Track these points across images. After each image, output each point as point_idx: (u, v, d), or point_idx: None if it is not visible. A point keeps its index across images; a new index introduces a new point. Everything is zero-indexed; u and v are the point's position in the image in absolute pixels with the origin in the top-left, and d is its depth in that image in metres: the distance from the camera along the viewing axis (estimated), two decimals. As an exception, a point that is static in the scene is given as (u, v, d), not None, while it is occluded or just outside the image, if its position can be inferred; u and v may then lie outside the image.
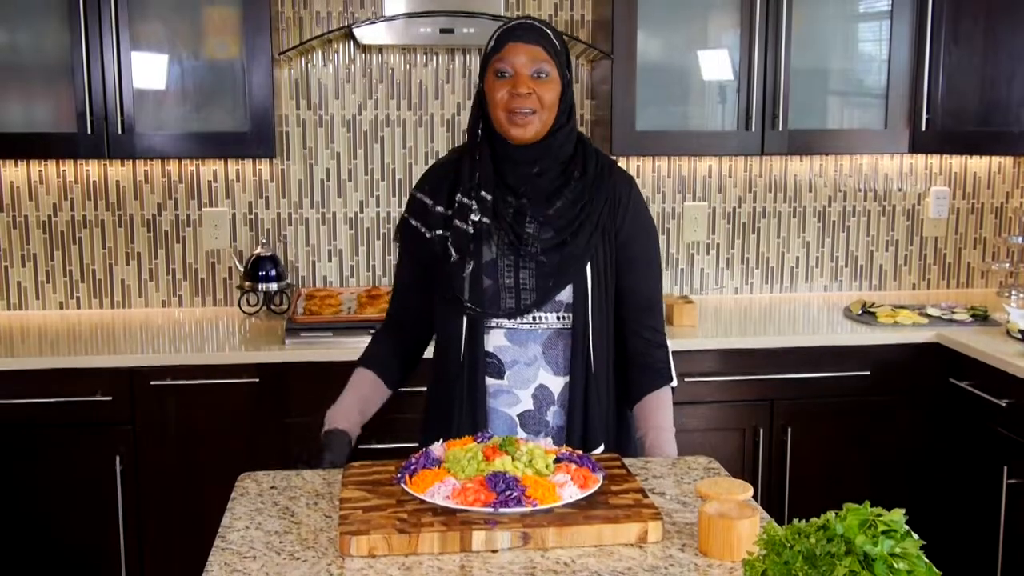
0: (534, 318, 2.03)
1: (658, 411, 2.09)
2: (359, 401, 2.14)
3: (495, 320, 2.02)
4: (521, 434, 2.06)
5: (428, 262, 2.07)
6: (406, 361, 2.22)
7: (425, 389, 2.22)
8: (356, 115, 3.58)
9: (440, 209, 2.05)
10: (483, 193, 2.00)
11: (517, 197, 2.01)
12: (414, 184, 2.18)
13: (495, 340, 2.04)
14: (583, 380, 2.03)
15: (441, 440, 1.83)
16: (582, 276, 2.01)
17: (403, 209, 2.17)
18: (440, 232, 2.04)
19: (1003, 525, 2.96)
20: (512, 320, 2.02)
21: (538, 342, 2.04)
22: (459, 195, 2.02)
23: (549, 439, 2.05)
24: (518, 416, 2.06)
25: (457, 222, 2.01)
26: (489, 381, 2.05)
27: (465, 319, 2.02)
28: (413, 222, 2.10)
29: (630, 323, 2.10)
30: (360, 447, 3.01)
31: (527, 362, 2.05)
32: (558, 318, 2.03)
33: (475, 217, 2.00)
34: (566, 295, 2.02)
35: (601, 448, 2.04)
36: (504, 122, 1.98)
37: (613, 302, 2.08)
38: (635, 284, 2.10)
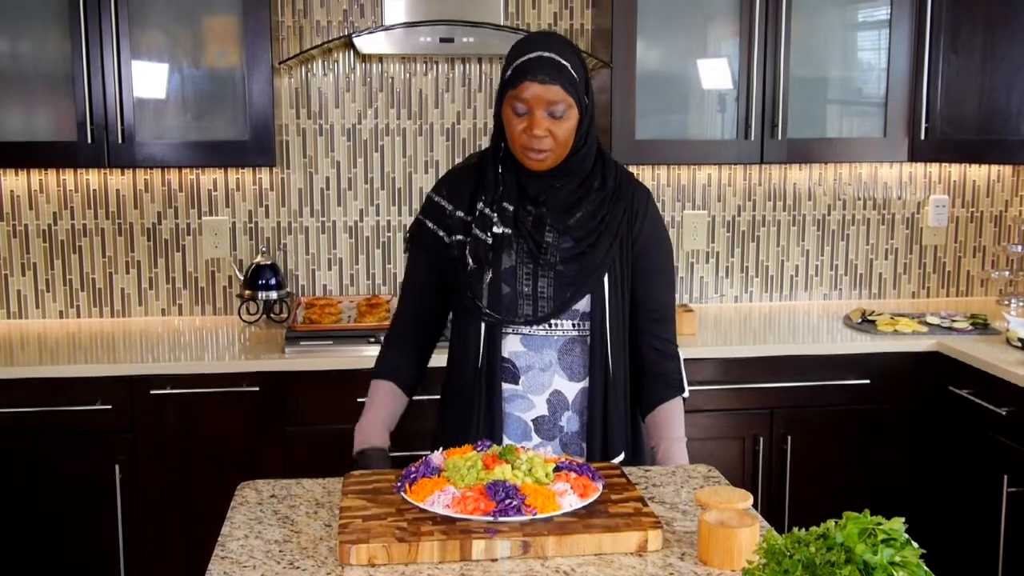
0: (550, 325, 2.04)
1: (670, 422, 2.10)
2: (386, 416, 2.13)
3: (511, 326, 2.03)
4: (535, 439, 2.07)
5: (444, 266, 2.07)
6: (420, 364, 2.20)
7: (427, 398, 2.22)
8: (356, 124, 3.59)
9: (460, 214, 2.05)
10: (504, 204, 2.01)
11: (537, 206, 2.02)
12: (422, 189, 2.19)
13: (511, 345, 2.05)
14: (602, 389, 2.04)
15: (441, 449, 1.84)
16: (600, 287, 2.02)
17: (418, 211, 2.17)
18: (459, 238, 2.04)
19: (1003, 533, 2.96)
20: (528, 326, 2.03)
21: (553, 348, 2.05)
22: (481, 204, 2.02)
23: (549, 448, 2.06)
24: (532, 421, 2.07)
25: (477, 231, 2.01)
26: (504, 386, 2.06)
27: (483, 325, 2.03)
28: (430, 225, 2.10)
29: (643, 334, 2.11)
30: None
31: (542, 367, 2.05)
32: (574, 326, 2.04)
33: (496, 229, 2.00)
34: (583, 304, 2.03)
35: (621, 456, 2.05)
36: (520, 155, 1.99)
37: (629, 311, 2.08)
38: (648, 295, 2.11)
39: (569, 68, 1.95)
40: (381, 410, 2.13)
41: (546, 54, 1.94)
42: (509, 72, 1.97)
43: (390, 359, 2.17)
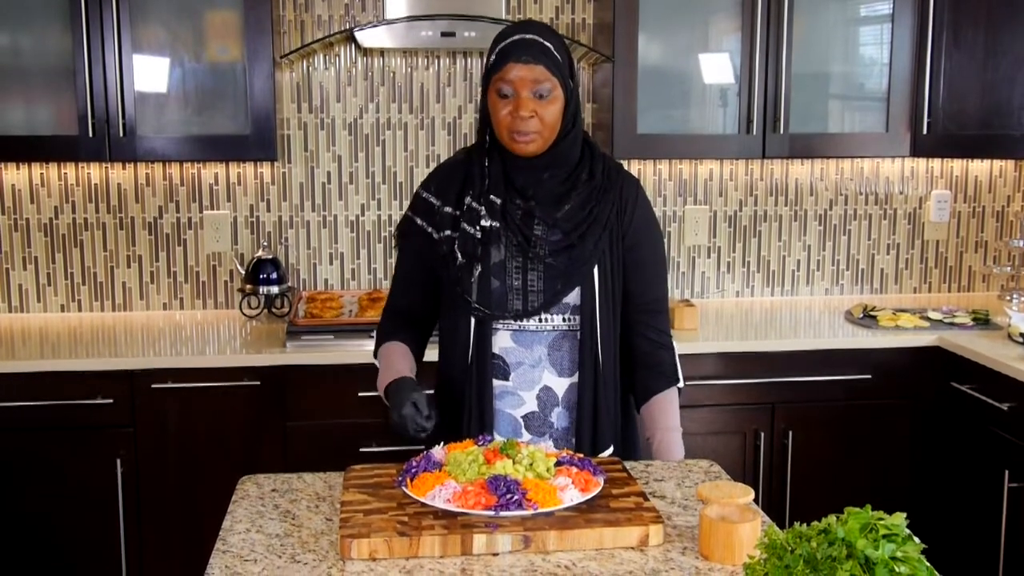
0: (540, 319, 2.03)
1: (665, 412, 2.09)
2: (406, 366, 2.08)
3: (501, 321, 2.03)
4: (525, 435, 2.07)
5: (434, 262, 2.07)
6: (418, 348, 2.19)
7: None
8: (357, 118, 3.58)
9: (448, 210, 2.05)
10: (492, 197, 2.00)
11: (525, 199, 2.01)
12: (418, 184, 2.18)
13: (501, 341, 2.05)
14: (592, 382, 2.03)
15: (442, 443, 1.84)
16: (589, 279, 2.02)
17: (406, 208, 2.17)
18: (448, 233, 2.03)
19: (1004, 529, 2.96)
20: (518, 321, 2.03)
21: (543, 344, 2.04)
22: (468, 198, 2.02)
23: (551, 442, 2.06)
24: (522, 417, 2.07)
25: (465, 225, 2.01)
26: (494, 382, 2.05)
27: (473, 320, 2.02)
28: (419, 222, 2.10)
29: (636, 325, 2.11)
30: (361, 450, 3.04)
31: (532, 363, 2.05)
32: (564, 320, 2.04)
33: (484, 223, 2.00)
34: (573, 297, 2.02)
35: (611, 450, 2.05)
36: (508, 140, 1.98)
37: (620, 304, 2.08)
38: (641, 286, 2.10)
39: (552, 49, 1.96)
40: (399, 362, 2.08)
41: (528, 36, 1.96)
42: (492, 57, 1.98)
43: (391, 334, 2.16)
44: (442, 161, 2.24)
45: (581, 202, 2.02)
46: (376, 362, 2.16)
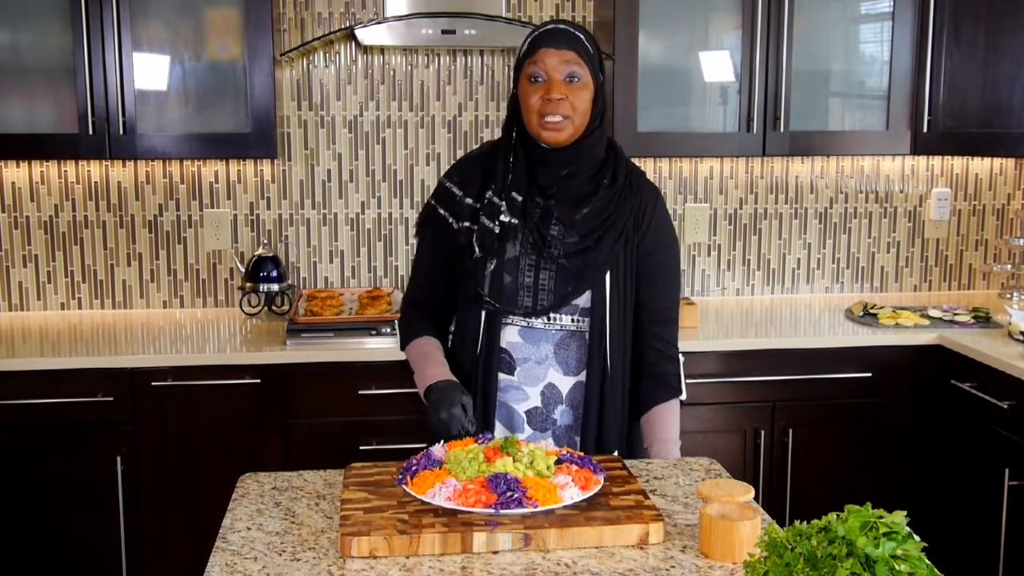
0: (549, 319, 2.04)
1: (665, 423, 2.10)
2: (444, 362, 2.09)
3: (511, 317, 2.04)
4: (527, 430, 2.07)
5: (452, 251, 2.08)
6: (445, 342, 2.18)
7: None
8: (357, 116, 3.58)
9: (469, 201, 2.06)
10: (514, 194, 2.01)
11: (546, 198, 2.03)
12: (422, 179, 2.20)
13: (508, 336, 2.06)
14: (599, 385, 2.04)
15: (442, 441, 1.84)
16: (601, 283, 2.03)
17: (429, 196, 2.18)
18: (467, 224, 2.04)
19: (1004, 527, 2.96)
20: (527, 319, 2.03)
21: (550, 342, 2.05)
22: (490, 193, 2.03)
23: (550, 440, 2.06)
24: (525, 413, 2.08)
25: (485, 219, 2.02)
26: (500, 376, 2.06)
27: (483, 313, 2.03)
28: (441, 211, 2.11)
29: (644, 334, 2.11)
30: (361, 448, 3.04)
31: (538, 360, 2.06)
32: (572, 320, 2.05)
33: (504, 218, 2.01)
34: (584, 300, 2.03)
35: (615, 454, 2.05)
36: (537, 127, 1.99)
37: (632, 310, 2.08)
38: (652, 296, 2.11)
39: (584, 40, 2.01)
40: (439, 362, 2.08)
41: (561, 26, 2.02)
42: (525, 46, 2.02)
43: (417, 327, 2.15)
44: (467, 153, 2.26)
45: (600, 207, 2.03)
46: (404, 354, 2.16)
